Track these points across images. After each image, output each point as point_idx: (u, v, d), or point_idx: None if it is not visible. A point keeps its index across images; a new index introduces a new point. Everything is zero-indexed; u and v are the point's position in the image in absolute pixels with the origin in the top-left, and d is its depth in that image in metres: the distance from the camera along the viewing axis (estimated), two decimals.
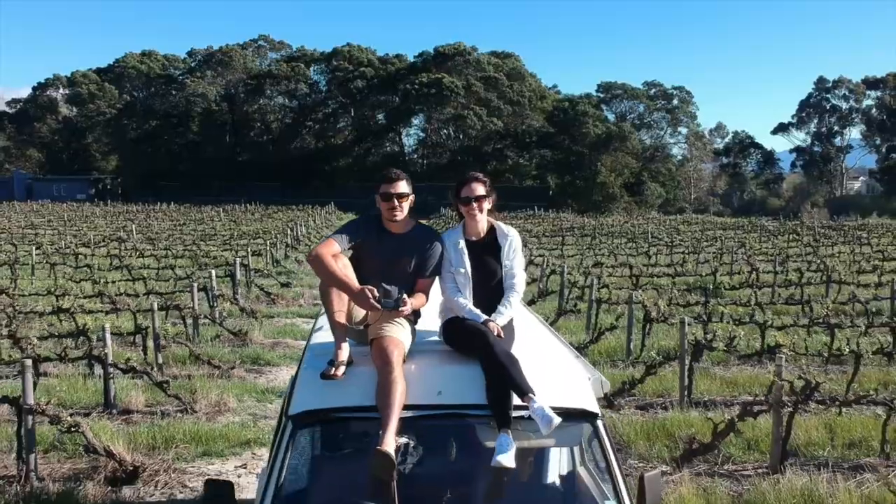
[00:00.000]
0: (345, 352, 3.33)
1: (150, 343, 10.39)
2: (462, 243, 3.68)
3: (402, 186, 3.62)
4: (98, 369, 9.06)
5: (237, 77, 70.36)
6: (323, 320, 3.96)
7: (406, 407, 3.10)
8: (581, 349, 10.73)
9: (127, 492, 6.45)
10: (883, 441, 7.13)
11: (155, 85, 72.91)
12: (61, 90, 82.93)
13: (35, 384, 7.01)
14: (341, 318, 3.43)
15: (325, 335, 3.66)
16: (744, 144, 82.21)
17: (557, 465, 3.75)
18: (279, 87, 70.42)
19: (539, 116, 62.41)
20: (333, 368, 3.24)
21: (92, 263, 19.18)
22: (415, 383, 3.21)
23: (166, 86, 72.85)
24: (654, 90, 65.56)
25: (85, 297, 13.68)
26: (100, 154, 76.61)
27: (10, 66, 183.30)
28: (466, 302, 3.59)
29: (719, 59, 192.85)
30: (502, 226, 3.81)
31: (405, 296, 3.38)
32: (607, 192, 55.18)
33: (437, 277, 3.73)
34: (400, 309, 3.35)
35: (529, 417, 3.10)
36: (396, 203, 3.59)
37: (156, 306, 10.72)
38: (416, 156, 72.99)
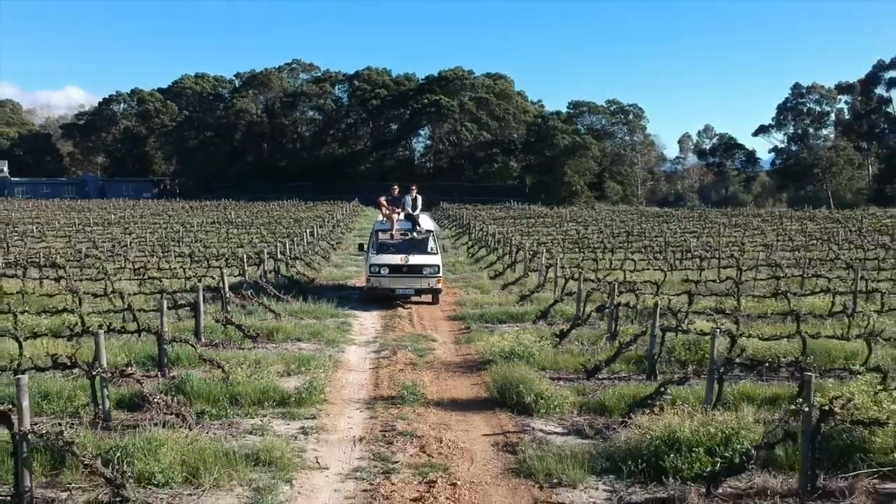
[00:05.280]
0: (385, 220, 17.30)
1: (287, 253, 24.13)
2: (409, 199, 17.63)
3: (396, 186, 17.79)
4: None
5: (274, 95, 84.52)
6: (379, 216, 17.92)
7: (397, 230, 17.04)
8: (480, 260, 24.35)
9: (311, 284, 20.16)
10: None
11: (206, 101, 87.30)
12: (122, 105, 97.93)
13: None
14: (385, 213, 17.49)
15: (380, 217, 17.74)
16: (728, 145, 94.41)
17: (424, 240, 17.49)
18: (310, 104, 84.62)
19: (522, 128, 76.22)
20: (383, 221, 17.24)
21: (224, 231, 33.06)
22: (398, 226, 17.12)
23: (215, 102, 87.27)
24: (613, 107, 79.54)
25: (244, 243, 27.47)
26: (162, 159, 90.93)
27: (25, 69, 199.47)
28: (410, 211, 17.42)
29: (709, 60, 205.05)
30: (419, 195, 17.67)
31: (398, 209, 17.31)
32: (571, 189, 69.00)
33: (402, 207, 17.64)
34: (397, 213, 17.31)
35: (420, 230, 17.02)
36: (394, 189, 17.65)
37: (287, 242, 24.52)
38: (424, 160, 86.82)
